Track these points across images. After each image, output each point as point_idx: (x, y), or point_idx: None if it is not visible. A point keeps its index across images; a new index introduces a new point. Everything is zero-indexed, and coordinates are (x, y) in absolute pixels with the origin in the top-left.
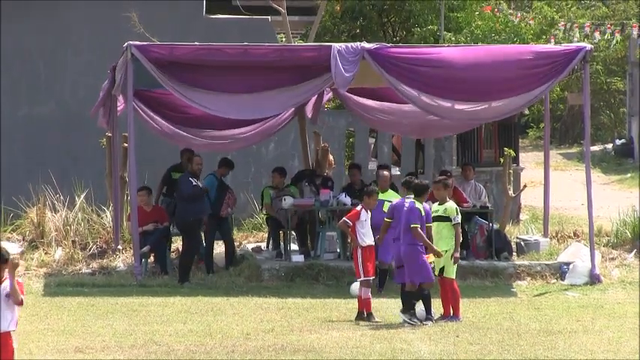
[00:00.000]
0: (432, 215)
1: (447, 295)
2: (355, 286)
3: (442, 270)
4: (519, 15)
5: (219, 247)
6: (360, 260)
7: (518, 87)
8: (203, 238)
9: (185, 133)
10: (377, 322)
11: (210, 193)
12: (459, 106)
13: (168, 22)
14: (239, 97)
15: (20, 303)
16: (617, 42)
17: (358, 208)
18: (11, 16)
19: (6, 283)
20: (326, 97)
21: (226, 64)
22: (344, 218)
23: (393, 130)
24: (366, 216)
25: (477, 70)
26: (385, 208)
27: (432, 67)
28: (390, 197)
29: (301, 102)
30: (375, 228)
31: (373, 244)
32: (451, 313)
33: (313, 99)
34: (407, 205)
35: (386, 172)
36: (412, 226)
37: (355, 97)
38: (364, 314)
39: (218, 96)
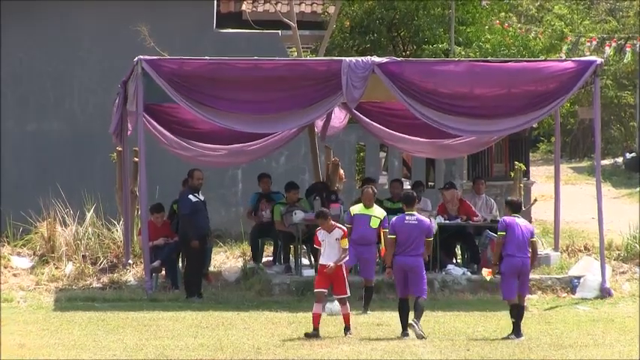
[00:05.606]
0: None
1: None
2: (332, 306)
3: None
4: (530, 29)
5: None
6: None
7: (529, 103)
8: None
9: (192, 147)
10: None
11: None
12: (468, 122)
13: (178, 36)
14: (249, 113)
15: None
16: (630, 55)
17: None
18: (18, 31)
19: None
20: (341, 118)
21: (237, 78)
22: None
23: (406, 150)
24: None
25: (487, 86)
26: (373, 224)
27: (441, 83)
28: (376, 213)
29: (312, 120)
30: (358, 243)
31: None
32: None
33: (323, 117)
34: (520, 220)
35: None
36: (533, 240)
37: (372, 122)
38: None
39: (228, 110)
